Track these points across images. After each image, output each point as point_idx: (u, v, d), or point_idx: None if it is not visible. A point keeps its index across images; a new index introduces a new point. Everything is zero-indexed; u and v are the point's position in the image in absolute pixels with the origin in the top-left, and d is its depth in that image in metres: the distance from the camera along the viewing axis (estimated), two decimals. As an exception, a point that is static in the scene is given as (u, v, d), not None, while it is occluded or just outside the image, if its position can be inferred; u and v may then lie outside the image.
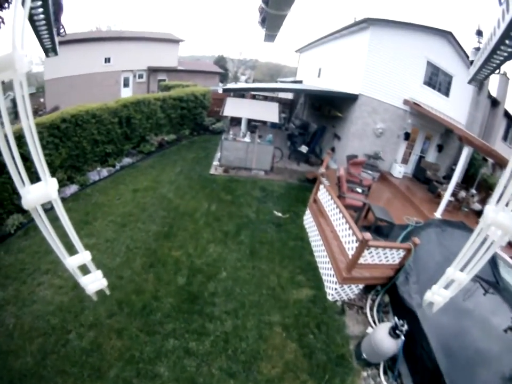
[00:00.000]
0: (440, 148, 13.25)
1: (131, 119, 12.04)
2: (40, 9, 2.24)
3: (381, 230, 7.51)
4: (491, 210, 1.58)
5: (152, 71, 25.43)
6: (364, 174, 10.60)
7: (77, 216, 7.98)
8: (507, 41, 2.18)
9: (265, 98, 17.33)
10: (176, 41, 27.19)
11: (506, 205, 1.51)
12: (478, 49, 3.30)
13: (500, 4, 2.02)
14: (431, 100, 12.38)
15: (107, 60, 23.56)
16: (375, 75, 11.45)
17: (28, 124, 1.27)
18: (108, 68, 23.56)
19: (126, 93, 24.62)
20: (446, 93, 12.71)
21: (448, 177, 11.35)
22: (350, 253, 5.75)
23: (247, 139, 11.08)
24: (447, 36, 11.70)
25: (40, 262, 6.46)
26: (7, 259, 6.57)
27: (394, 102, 11.91)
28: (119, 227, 7.83)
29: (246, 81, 50.51)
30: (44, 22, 2.45)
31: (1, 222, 7.54)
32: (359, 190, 8.80)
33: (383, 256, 5.68)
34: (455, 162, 10.89)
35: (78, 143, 10.10)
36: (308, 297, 6.21)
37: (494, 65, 2.74)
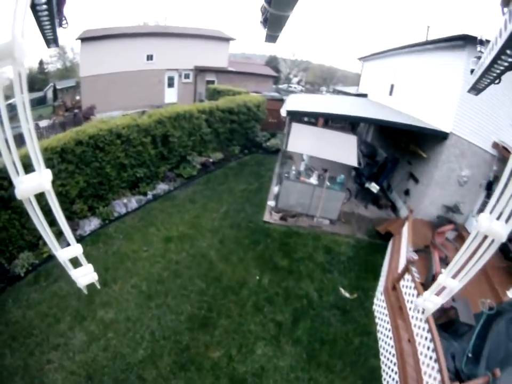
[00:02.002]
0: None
1: (168, 136, 10.01)
2: (44, 0, 2.18)
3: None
4: (485, 218, 1.64)
5: (200, 71, 23.27)
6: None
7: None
8: (508, 51, 2.16)
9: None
10: (226, 40, 24.85)
11: (499, 216, 1.56)
12: (479, 58, 3.15)
13: (503, 13, 2.00)
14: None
15: (149, 57, 21.67)
16: (469, 110, 8.69)
17: (25, 115, 1.24)
18: (150, 66, 21.72)
19: (171, 94, 22.96)
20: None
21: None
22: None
23: (314, 180, 8.65)
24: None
25: (50, 331, 5.53)
26: (14, 313, 5.79)
27: (483, 145, 9.19)
28: (144, 299, 6.25)
29: (298, 83, 48.07)
30: (46, 12, 2.34)
31: (10, 260, 6.67)
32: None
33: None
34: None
35: (99, 169, 8.35)
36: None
37: (495, 74, 2.70)
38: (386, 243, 8.78)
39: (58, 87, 33.61)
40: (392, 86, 13.99)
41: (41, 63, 44.18)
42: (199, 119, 11.08)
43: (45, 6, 2.29)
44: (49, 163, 6.94)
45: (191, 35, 22.90)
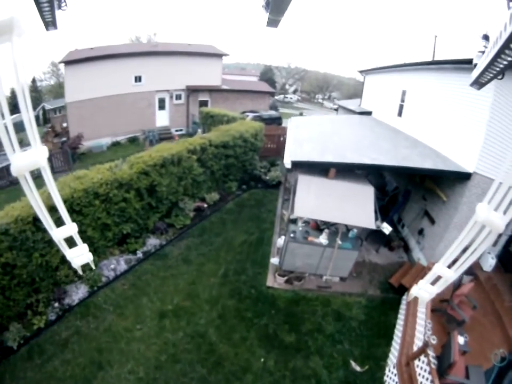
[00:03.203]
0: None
1: (155, 186, 8.97)
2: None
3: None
4: (484, 208, 1.70)
5: (192, 91, 22.07)
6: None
7: (86, 356, 6.05)
8: None
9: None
10: (219, 56, 23.66)
11: (497, 208, 1.60)
12: (483, 52, 3.03)
13: (509, 7, 1.97)
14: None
15: (137, 79, 20.53)
16: (495, 146, 7.61)
17: (22, 91, 1.26)
18: (138, 88, 20.59)
19: (162, 117, 21.89)
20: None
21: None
22: None
23: (323, 239, 7.57)
24: None
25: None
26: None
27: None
28: None
29: (294, 93, 47.26)
30: None
31: (1, 331, 6.28)
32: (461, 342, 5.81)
33: None
34: None
35: (79, 232, 7.16)
36: None
37: (498, 69, 2.66)
38: (399, 297, 8.03)
39: (47, 107, 32.68)
40: (401, 107, 12.93)
41: (33, 80, 43.38)
42: (190, 161, 10.00)
43: None
44: (22, 235, 6.16)
45: (181, 53, 21.76)
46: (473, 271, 8.43)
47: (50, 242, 6.66)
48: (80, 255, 2.35)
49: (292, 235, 7.54)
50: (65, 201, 6.78)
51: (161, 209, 9.66)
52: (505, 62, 2.50)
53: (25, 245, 6.26)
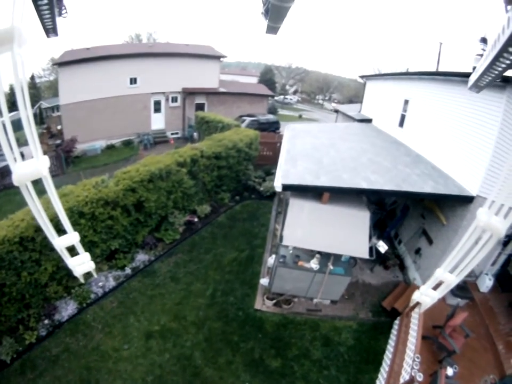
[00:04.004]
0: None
1: (143, 202, 8.74)
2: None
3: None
4: (484, 213, 1.77)
5: (188, 93, 21.71)
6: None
7: (76, 374, 6.10)
8: (510, 49, 2.13)
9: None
10: (217, 57, 23.21)
11: (497, 212, 1.62)
12: (481, 56, 3.11)
13: (506, 11, 1.99)
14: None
15: (133, 81, 20.11)
16: (499, 167, 7.18)
17: (23, 102, 1.31)
18: (134, 90, 20.19)
19: (157, 120, 21.52)
20: None
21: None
22: None
23: (314, 264, 7.32)
24: None
25: None
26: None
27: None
28: None
29: (294, 93, 46.82)
30: (46, 1, 2.38)
31: None
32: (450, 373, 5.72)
33: None
34: None
35: (67, 250, 7.02)
36: None
37: (496, 72, 2.66)
38: (391, 320, 7.80)
39: (44, 106, 32.29)
40: (403, 117, 12.59)
41: (32, 77, 42.86)
42: (180, 174, 9.74)
43: None
44: (10, 256, 6.15)
45: (177, 54, 21.38)
46: (469, 294, 8.25)
47: (38, 261, 6.74)
48: (81, 264, 2.33)
49: (281, 260, 7.28)
50: (51, 220, 6.64)
51: (150, 224, 9.44)
52: (503, 65, 2.52)
53: (13, 264, 6.26)
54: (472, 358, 6.65)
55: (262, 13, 2.91)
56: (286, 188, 7.10)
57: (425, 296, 2.43)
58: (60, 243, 2.11)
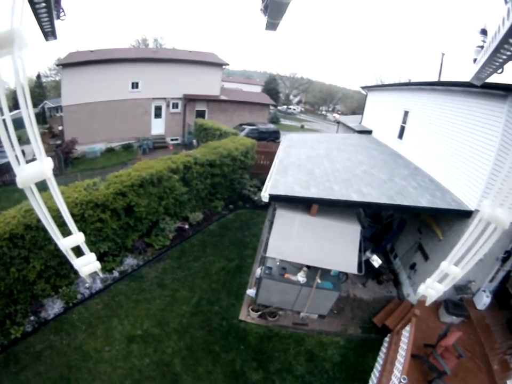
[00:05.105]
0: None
1: (133, 206, 8.66)
2: (40, -9, 2.08)
3: None
4: (488, 205, 1.67)
5: (189, 100, 21.82)
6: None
7: (56, 371, 6.09)
8: (511, 40, 2.12)
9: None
10: (219, 65, 23.37)
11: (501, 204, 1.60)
12: (481, 47, 3.08)
13: (506, 2, 1.98)
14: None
15: (134, 85, 20.24)
16: (503, 182, 7.01)
17: (26, 105, 1.27)
18: (135, 95, 20.31)
19: (158, 125, 21.61)
20: None
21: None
22: None
23: (301, 277, 7.15)
24: None
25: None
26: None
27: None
28: None
29: (298, 104, 46.96)
30: (43, 4, 2.40)
31: None
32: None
33: None
34: None
35: (56, 250, 7.14)
36: None
37: (497, 64, 2.68)
38: (382, 337, 7.60)
39: (48, 106, 32.51)
40: (402, 128, 12.51)
41: (38, 76, 43.26)
42: (171, 181, 9.65)
43: None
44: None
45: (180, 60, 21.53)
46: (465, 312, 8.02)
47: (27, 259, 6.83)
48: (87, 264, 2.34)
49: (267, 271, 7.13)
50: (39, 221, 6.62)
51: (141, 229, 9.34)
52: (504, 57, 2.50)
53: (2, 260, 6.34)
54: (465, 378, 6.43)
55: (261, 9, 2.93)
56: (273, 198, 6.93)
57: (431, 289, 2.22)
58: (65, 243, 1.94)
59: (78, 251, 2.17)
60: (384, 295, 9.20)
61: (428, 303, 2.34)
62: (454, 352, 6.55)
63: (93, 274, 7.80)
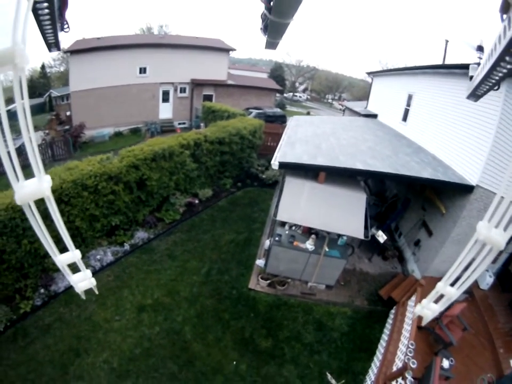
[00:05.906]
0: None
1: (145, 180, 8.85)
2: (45, 4, 2.15)
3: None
4: (484, 227, 1.67)
5: (197, 84, 21.84)
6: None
7: (65, 343, 6.11)
8: (507, 58, 2.16)
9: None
10: (225, 50, 23.30)
11: (497, 225, 1.62)
12: (478, 64, 3.14)
13: (502, 20, 1.99)
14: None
15: (142, 70, 20.25)
16: (502, 159, 7.18)
17: (26, 122, 1.27)
18: (143, 80, 20.33)
19: (165, 109, 21.67)
20: None
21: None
22: None
23: (309, 245, 7.35)
24: None
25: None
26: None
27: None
28: (115, 378, 5.67)
29: (304, 91, 46.64)
30: (47, 16, 2.33)
31: None
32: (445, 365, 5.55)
33: None
34: None
35: (68, 222, 7.40)
36: None
37: (494, 81, 2.73)
38: (388, 310, 7.76)
39: (54, 95, 32.72)
40: (406, 111, 12.56)
41: (43, 67, 43.26)
42: (182, 156, 9.83)
43: (46, 10, 2.30)
44: (12, 222, 6.29)
45: (187, 46, 21.45)
46: (469, 289, 8.13)
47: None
48: (84, 280, 2.33)
49: (277, 238, 7.31)
50: (54, 192, 6.81)
51: (152, 203, 9.55)
52: (500, 74, 2.53)
53: (15, 232, 6.38)
54: (470, 355, 6.54)
55: (261, 29, 2.89)
56: (282, 165, 7.14)
57: (426, 310, 2.26)
58: (61, 259, 2.08)
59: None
60: (389, 270, 9.34)
61: (423, 323, 2.38)
62: (459, 324, 6.69)
63: (105, 248, 8.08)
